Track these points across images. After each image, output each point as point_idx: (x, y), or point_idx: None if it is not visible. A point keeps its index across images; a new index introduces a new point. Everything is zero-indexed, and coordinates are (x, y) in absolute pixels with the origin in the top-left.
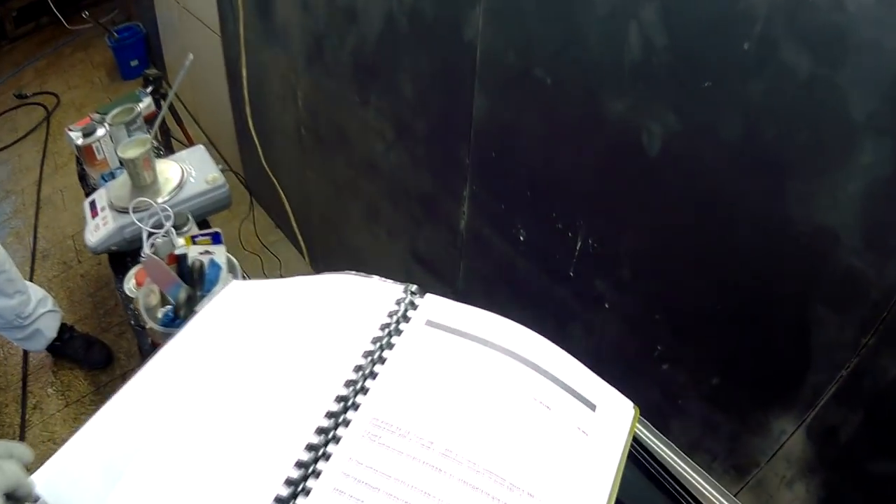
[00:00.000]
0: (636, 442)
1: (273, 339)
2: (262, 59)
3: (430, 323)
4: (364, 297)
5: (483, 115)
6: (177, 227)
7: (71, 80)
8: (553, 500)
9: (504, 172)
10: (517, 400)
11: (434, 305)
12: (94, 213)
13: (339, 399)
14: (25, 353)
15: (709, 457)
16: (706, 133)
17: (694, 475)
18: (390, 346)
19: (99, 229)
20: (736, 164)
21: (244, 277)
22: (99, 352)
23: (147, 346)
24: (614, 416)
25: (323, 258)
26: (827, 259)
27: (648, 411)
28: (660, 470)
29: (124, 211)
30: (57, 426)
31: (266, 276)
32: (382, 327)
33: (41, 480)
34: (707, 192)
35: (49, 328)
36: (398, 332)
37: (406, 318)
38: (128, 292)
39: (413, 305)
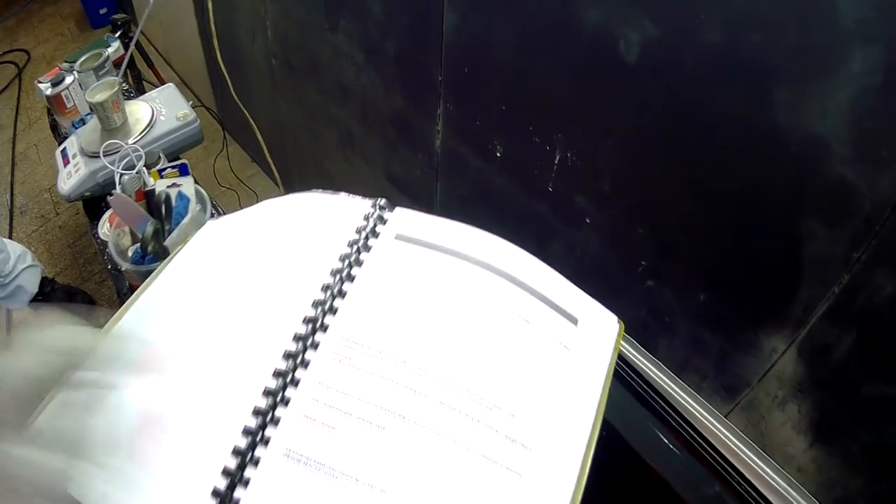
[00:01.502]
0: (623, 361)
1: (243, 269)
2: None
3: (399, 237)
4: (331, 214)
5: (453, 30)
6: (148, 167)
7: (41, 34)
8: (535, 418)
9: (477, 88)
10: (493, 314)
11: (404, 219)
12: (66, 161)
13: (308, 321)
14: (8, 311)
15: (697, 376)
16: (686, 39)
17: (683, 395)
18: (359, 262)
19: (71, 176)
20: (719, 70)
21: (215, 208)
22: (81, 302)
23: (125, 291)
24: (598, 330)
25: (300, 189)
26: (817, 169)
27: (635, 329)
28: (648, 389)
29: (95, 155)
30: None
31: None
32: (350, 244)
33: None
34: (689, 100)
35: (30, 283)
36: (367, 247)
37: (375, 234)
38: (102, 236)
39: (382, 220)
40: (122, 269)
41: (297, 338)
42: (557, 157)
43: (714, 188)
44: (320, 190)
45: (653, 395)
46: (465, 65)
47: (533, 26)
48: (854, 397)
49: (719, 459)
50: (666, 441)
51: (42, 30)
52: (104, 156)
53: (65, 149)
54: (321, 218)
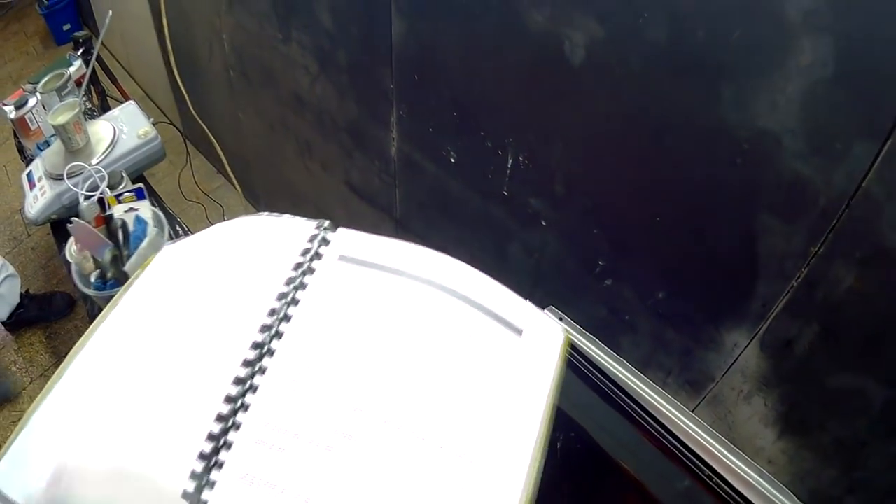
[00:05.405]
0: (587, 360)
1: (196, 296)
2: (185, 6)
3: (343, 258)
4: (276, 237)
5: (402, 37)
6: (112, 187)
7: (6, 53)
8: (479, 432)
9: (428, 94)
10: (434, 329)
11: (347, 239)
12: (32, 185)
13: (256, 346)
14: None
15: (662, 373)
16: (631, 38)
17: (648, 391)
18: (303, 286)
19: (38, 200)
20: (664, 69)
21: (179, 226)
22: (61, 299)
23: (95, 311)
24: (543, 339)
25: (265, 198)
26: (770, 165)
27: (596, 328)
28: (612, 387)
29: (60, 178)
30: (25, 405)
31: (211, 224)
32: (296, 267)
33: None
34: (636, 100)
35: (11, 294)
36: (311, 270)
37: (318, 256)
38: (70, 258)
39: (325, 241)
40: (87, 293)
41: (246, 363)
42: (510, 161)
43: (666, 187)
44: (266, 213)
45: (618, 392)
46: (415, 72)
47: (478, 31)
48: (821, 390)
49: (688, 454)
50: (634, 438)
51: (7, 49)
52: (68, 178)
53: (30, 172)
54: (267, 242)
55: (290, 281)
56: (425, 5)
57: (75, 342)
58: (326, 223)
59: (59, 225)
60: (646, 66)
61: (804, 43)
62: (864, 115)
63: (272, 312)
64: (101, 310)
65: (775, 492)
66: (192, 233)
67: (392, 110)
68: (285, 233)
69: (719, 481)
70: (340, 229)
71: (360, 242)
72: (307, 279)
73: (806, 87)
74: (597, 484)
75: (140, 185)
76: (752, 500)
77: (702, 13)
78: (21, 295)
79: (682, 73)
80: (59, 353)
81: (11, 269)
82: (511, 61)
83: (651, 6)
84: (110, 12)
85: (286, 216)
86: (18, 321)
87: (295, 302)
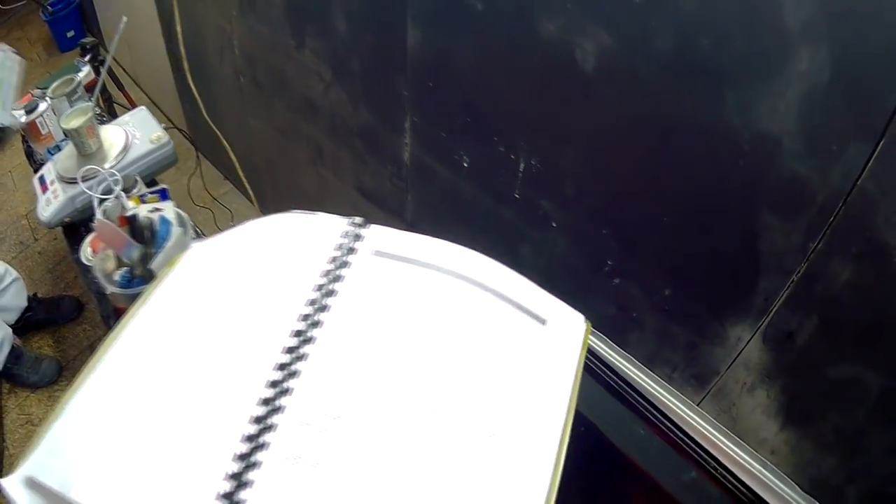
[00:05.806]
0: (595, 357)
1: (232, 289)
2: (195, 13)
3: (377, 252)
4: (310, 233)
5: (417, 45)
6: (126, 190)
7: None
8: (508, 414)
9: (442, 100)
10: (464, 320)
11: (379, 235)
12: (44, 188)
13: (295, 333)
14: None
15: (668, 368)
16: (639, 46)
17: (655, 386)
18: (339, 278)
19: (50, 203)
20: (671, 75)
21: (196, 230)
22: (69, 303)
23: (109, 313)
24: (566, 328)
25: (273, 204)
26: (770, 166)
27: (604, 326)
28: (621, 383)
29: (73, 181)
30: (33, 407)
31: (219, 229)
32: (331, 260)
33: (36, 466)
34: (644, 105)
35: (19, 298)
36: (346, 264)
37: (353, 251)
38: (84, 261)
39: (358, 237)
40: (108, 292)
41: (287, 350)
42: (522, 165)
43: (672, 188)
44: (298, 210)
45: (626, 388)
46: (429, 79)
47: (492, 40)
48: (820, 380)
49: (694, 446)
50: (642, 432)
51: None
52: (82, 181)
53: (42, 176)
54: (302, 237)
55: (326, 273)
56: (440, 13)
57: (84, 345)
58: (359, 220)
59: (70, 228)
60: (653, 73)
61: (802, 51)
62: (858, 118)
63: (311, 303)
64: (115, 310)
65: (778, 482)
66: (204, 235)
67: (406, 116)
68: (319, 229)
69: (724, 472)
70: (373, 226)
71: (391, 238)
72: (343, 272)
73: (804, 92)
74: (606, 477)
75: (165, 186)
76: (757, 491)
77: (706, 23)
78: (29, 298)
79: (688, 80)
80: (67, 357)
81: (15, 274)
82: (524, 68)
83: (658, 17)
84: (125, 18)
85: (319, 213)
86: (26, 324)
87: (332, 293)
